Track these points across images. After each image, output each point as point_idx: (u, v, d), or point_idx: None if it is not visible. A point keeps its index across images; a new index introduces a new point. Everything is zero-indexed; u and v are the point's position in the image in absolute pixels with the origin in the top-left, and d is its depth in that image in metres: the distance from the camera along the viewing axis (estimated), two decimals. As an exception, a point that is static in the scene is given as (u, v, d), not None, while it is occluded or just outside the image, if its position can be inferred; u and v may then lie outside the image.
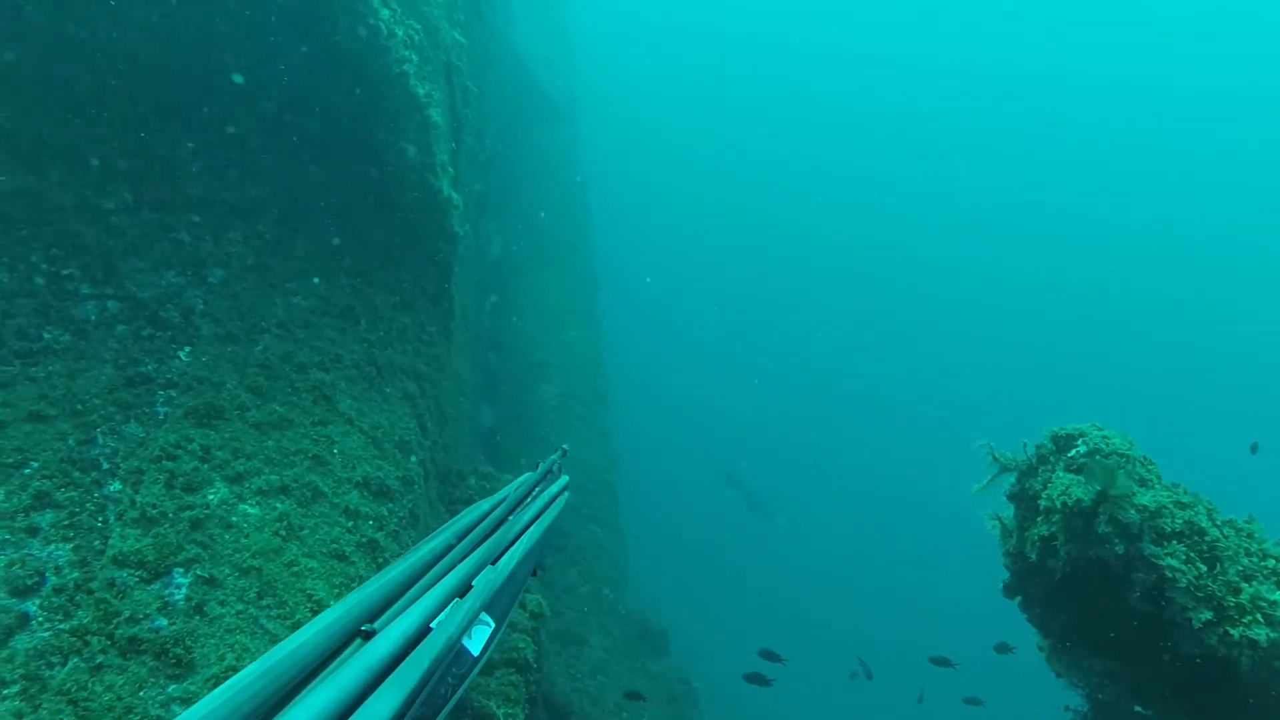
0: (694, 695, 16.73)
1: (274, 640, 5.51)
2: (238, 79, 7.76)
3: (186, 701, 4.88)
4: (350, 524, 6.64)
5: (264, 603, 5.61)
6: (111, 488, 5.83)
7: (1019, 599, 6.90)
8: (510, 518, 2.35)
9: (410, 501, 7.66)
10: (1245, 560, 5.50)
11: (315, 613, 5.85)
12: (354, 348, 8.13)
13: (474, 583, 1.83)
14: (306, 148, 8.48)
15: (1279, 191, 59.80)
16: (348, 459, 7.10)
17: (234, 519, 5.96)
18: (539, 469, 2.85)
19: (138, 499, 5.71)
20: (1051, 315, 58.34)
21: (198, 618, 5.27)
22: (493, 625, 1.81)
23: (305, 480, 6.60)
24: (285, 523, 6.18)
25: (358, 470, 7.08)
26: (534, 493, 2.68)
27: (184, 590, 5.36)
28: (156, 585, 5.33)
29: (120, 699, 4.71)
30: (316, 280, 8.20)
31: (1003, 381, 51.25)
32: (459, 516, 2.13)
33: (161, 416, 6.42)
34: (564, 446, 3.61)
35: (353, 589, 6.03)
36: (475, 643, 1.71)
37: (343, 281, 8.50)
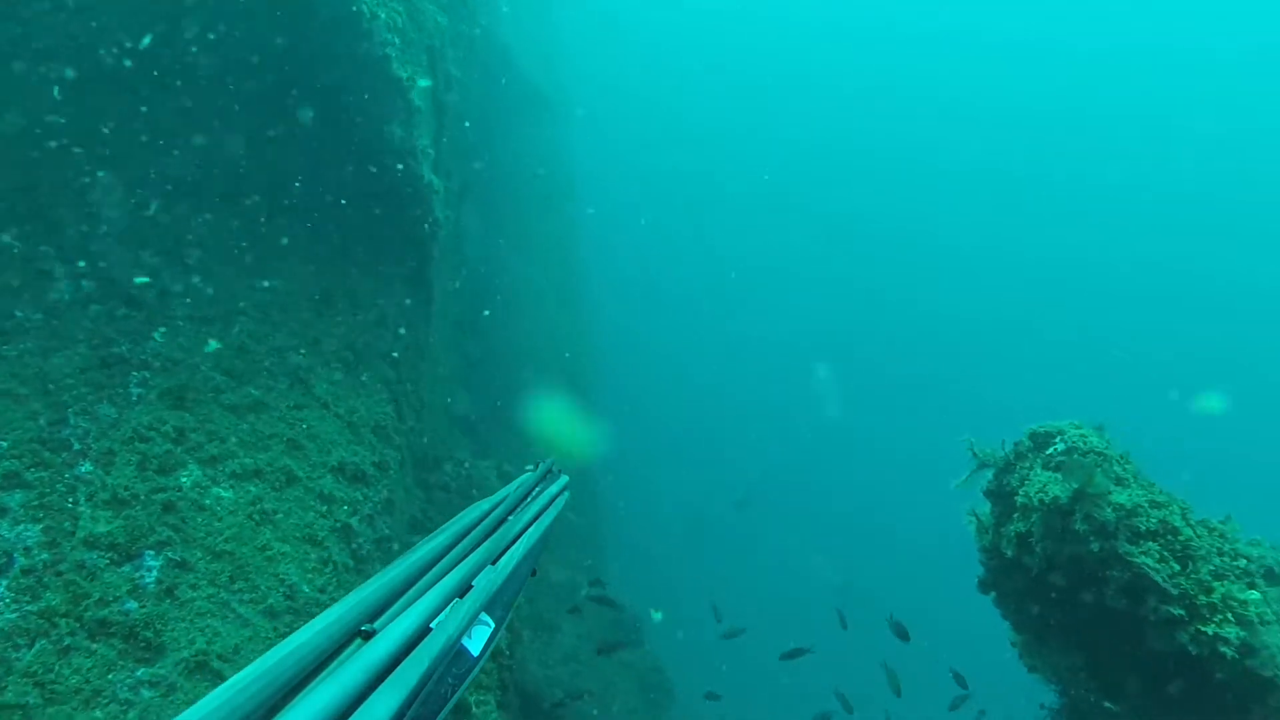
0: (668, 684, 16.82)
1: (245, 624, 5.50)
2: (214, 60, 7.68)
3: (156, 685, 4.87)
4: (325, 508, 6.63)
5: (236, 586, 5.60)
6: (83, 469, 5.79)
7: (993, 595, 6.97)
8: (510, 518, 2.37)
9: (386, 487, 7.65)
10: (1217, 560, 5.58)
11: (288, 597, 5.85)
12: (332, 332, 8.09)
13: (474, 582, 1.84)
14: (286, 131, 8.40)
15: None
16: (323, 444, 7.08)
17: (207, 502, 5.94)
18: (539, 469, 2.86)
19: (109, 480, 5.68)
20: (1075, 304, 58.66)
21: (168, 601, 5.25)
22: (492, 625, 1.82)
23: (280, 464, 6.57)
24: (259, 506, 6.16)
25: (333, 455, 7.06)
26: (534, 493, 2.70)
27: (155, 573, 5.34)
28: (127, 568, 5.30)
29: (88, 681, 4.70)
30: (292, 264, 8.15)
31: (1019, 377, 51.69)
32: (459, 516, 2.14)
33: (135, 398, 6.37)
34: None
35: (326, 573, 5.95)
36: (475, 643, 1.72)
37: (321, 265, 8.44)
